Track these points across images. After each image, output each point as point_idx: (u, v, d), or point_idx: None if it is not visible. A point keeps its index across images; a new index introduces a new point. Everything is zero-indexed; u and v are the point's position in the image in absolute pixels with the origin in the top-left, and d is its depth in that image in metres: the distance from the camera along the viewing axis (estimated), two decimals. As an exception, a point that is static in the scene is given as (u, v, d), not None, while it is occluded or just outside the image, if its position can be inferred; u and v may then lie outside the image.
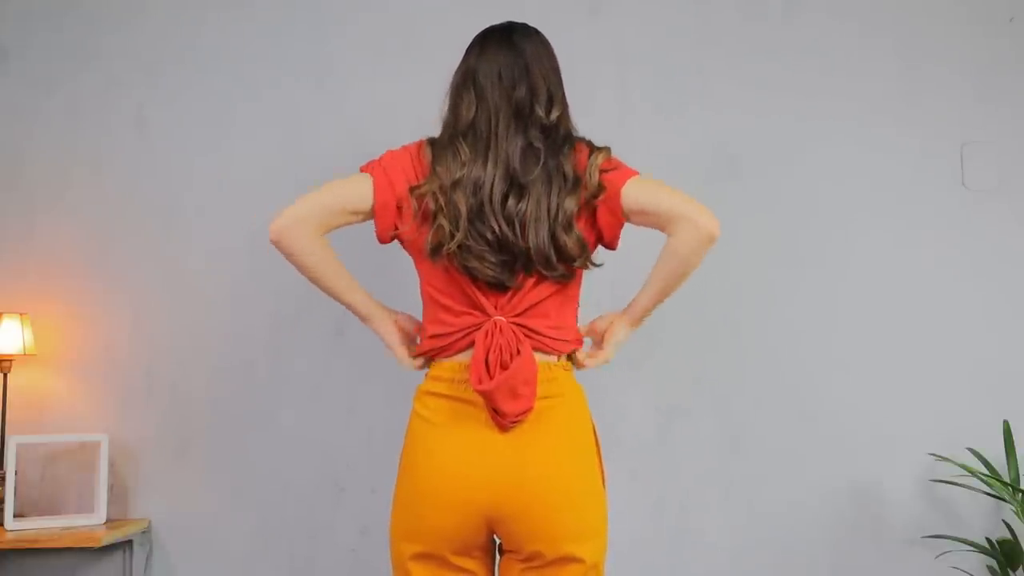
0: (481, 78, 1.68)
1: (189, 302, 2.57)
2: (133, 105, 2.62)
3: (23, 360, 2.47)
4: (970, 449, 2.48)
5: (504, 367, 1.60)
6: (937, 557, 2.47)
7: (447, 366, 1.68)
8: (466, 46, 1.76)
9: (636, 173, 1.69)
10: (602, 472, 1.70)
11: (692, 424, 2.56)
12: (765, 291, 2.58)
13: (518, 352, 1.61)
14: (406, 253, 1.77)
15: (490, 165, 1.63)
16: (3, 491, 2.35)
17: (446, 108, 1.73)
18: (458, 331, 1.67)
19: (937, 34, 2.65)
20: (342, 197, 1.68)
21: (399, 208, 1.68)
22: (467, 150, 1.65)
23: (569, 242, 1.63)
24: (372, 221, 1.71)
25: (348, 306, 1.76)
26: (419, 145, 1.72)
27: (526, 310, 1.66)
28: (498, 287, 1.65)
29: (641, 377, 2.53)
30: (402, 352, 1.77)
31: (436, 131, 1.75)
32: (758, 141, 2.62)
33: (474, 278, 1.64)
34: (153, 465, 2.52)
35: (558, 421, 1.65)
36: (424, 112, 1.80)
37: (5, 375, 2.44)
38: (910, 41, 2.65)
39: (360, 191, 1.68)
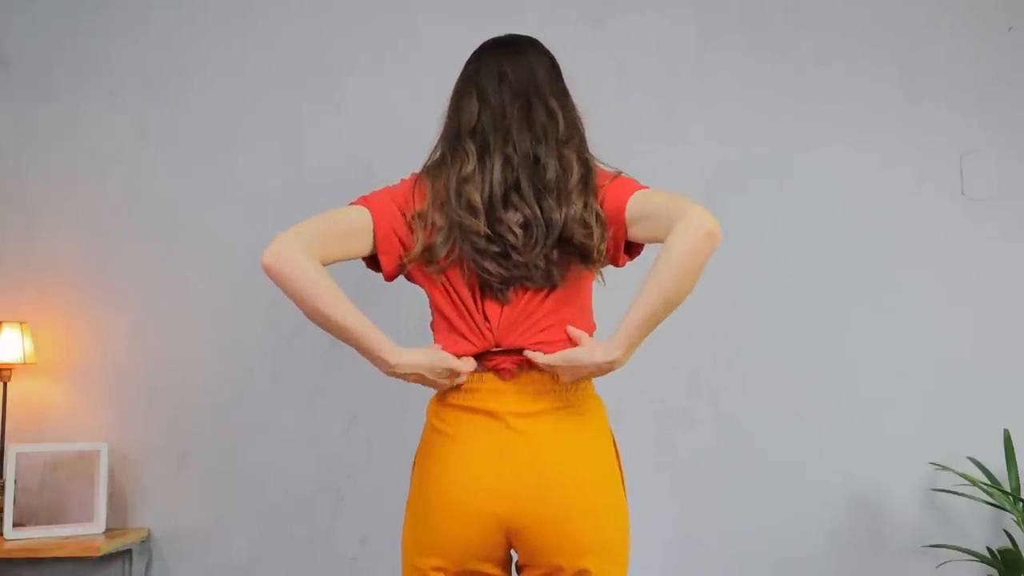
0: (483, 80, 1.65)
1: (189, 311, 2.57)
2: (134, 116, 2.62)
3: (23, 369, 2.47)
4: (971, 458, 2.48)
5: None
6: (938, 567, 2.47)
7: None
8: (467, 58, 1.74)
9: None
10: (624, 488, 1.64)
11: (690, 432, 2.56)
12: (766, 300, 2.58)
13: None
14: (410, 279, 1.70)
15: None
16: (3, 500, 2.35)
17: (444, 119, 1.69)
18: None
19: (936, 44, 2.65)
20: (337, 220, 1.61)
21: (402, 235, 1.62)
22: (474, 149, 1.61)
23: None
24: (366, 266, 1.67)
25: (358, 339, 1.56)
26: (413, 177, 1.67)
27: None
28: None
29: (639, 384, 2.52)
30: (455, 361, 1.59)
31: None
32: (759, 151, 2.62)
33: None
34: (152, 474, 2.52)
35: (578, 433, 1.59)
36: (425, 123, 1.80)
37: (5, 384, 2.44)
38: (910, 51, 2.65)
39: (356, 214, 1.61)
